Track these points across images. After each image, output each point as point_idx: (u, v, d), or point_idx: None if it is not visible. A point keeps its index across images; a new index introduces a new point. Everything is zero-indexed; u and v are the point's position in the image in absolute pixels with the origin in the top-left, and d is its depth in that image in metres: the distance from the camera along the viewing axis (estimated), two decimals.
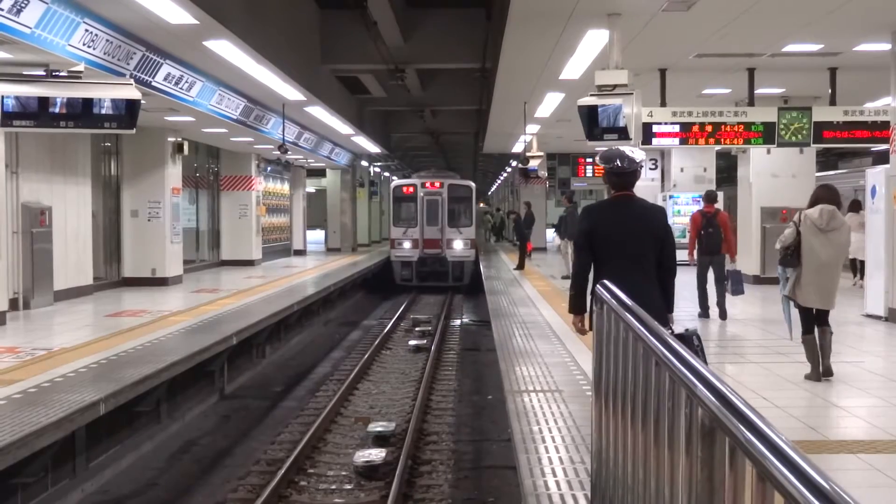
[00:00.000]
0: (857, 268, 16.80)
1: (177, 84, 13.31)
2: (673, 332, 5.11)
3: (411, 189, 28.18)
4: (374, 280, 26.87)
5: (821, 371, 7.88)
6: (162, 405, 10.16)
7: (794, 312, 8.05)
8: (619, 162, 5.44)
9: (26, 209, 13.31)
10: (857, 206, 16.69)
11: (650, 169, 23.35)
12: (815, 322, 7.88)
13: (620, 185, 5.50)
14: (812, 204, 7.94)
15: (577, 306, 5.54)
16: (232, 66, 13.43)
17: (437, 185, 28.02)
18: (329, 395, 12.15)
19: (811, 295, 7.74)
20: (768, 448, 1.75)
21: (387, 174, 46.06)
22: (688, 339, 4.78)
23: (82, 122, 10.44)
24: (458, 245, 27.79)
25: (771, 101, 15.31)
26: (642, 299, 5.04)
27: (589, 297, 5.01)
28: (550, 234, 34.93)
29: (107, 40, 10.57)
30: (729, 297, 12.05)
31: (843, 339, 10.58)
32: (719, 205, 13.85)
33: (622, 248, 5.38)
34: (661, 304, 5.34)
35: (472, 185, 29.29)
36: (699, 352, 4.83)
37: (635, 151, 5.60)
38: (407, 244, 27.74)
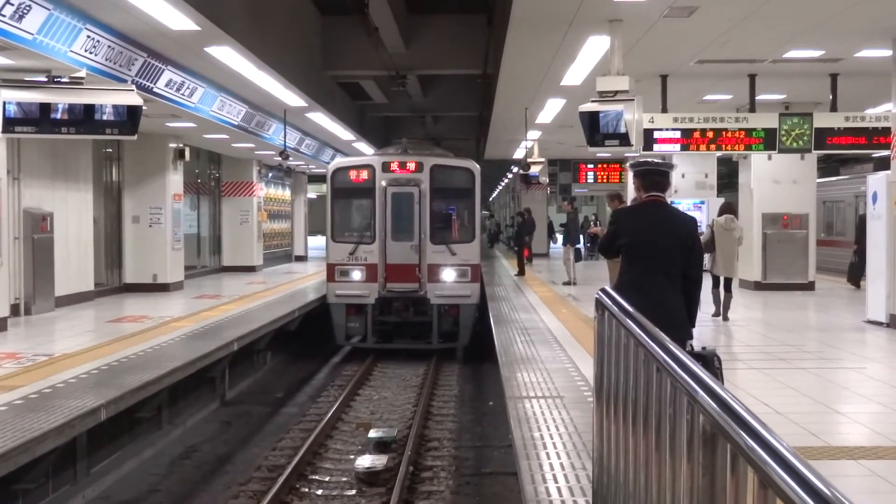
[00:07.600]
0: None
1: (178, 90, 13.33)
2: (692, 348, 5.04)
3: (364, 175, 16.40)
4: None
5: (721, 318, 12.50)
6: (163, 411, 10.16)
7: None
8: (652, 159, 5.48)
9: (28, 215, 13.31)
10: None
11: None
12: (720, 285, 12.69)
13: (651, 185, 5.42)
14: (720, 213, 13.02)
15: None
16: (233, 72, 13.45)
17: (412, 166, 16.35)
18: (330, 401, 12.15)
19: (720, 269, 12.61)
20: (770, 454, 1.75)
21: None
22: (708, 359, 4.61)
23: (84, 128, 10.45)
24: (449, 275, 16.18)
25: (772, 107, 15.32)
26: (665, 309, 4.98)
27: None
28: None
29: (108, 46, 10.59)
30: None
31: (845, 345, 10.58)
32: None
33: (649, 253, 5.28)
34: (684, 316, 5.22)
35: (475, 167, 16.97)
36: (719, 373, 4.64)
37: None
38: (356, 274, 16.17)
